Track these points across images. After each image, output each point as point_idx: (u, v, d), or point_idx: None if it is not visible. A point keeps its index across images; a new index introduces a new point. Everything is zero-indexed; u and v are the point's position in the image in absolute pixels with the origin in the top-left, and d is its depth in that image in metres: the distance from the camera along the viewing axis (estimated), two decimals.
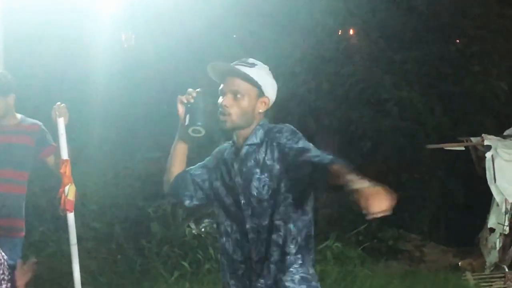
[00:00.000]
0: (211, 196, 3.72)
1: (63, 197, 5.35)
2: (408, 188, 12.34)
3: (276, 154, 3.50)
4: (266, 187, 3.49)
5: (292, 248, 3.48)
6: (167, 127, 11.57)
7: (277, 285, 3.50)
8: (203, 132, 3.58)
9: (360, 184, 3.20)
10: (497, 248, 9.91)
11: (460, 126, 11.78)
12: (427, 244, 11.48)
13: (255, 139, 3.56)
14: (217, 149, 3.80)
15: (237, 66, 3.56)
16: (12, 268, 4.76)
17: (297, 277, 3.49)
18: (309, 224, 3.57)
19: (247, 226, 3.54)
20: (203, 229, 10.45)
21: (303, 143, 3.47)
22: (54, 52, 10.66)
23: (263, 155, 3.52)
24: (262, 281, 3.52)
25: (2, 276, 4.65)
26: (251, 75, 3.53)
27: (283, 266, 3.49)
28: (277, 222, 3.48)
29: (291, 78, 10.62)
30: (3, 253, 4.79)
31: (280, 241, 3.48)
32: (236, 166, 3.59)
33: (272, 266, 3.49)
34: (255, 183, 3.50)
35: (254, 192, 3.51)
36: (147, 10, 11.10)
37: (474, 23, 12.18)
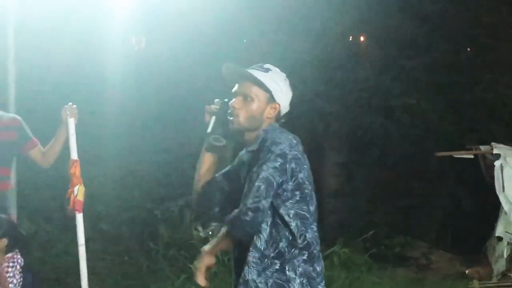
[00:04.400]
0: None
1: (72, 197, 5.36)
2: (416, 196, 12.33)
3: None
4: None
5: (271, 252, 3.51)
6: (176, 130, 11.64)
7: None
8: (224, 141, 3.63)
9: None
10: (505, 257, 9.90)
11: (470, 134, 11.76)
12: (435, 252, 11.46)
13: (255, 146, 3.58)
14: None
15: (250, 70, 3.59)
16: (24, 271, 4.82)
17: (270, 281, 3.52)
18: (296, 227, 3.55)
19: None
20: (210, 232, 10.45)
21: (256, 172, 3.48)
22: (65, 53, 10.70)
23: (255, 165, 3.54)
24: (240, 281, 3.58)
25: (11, 279, 4.70)
26: (262, 80, 3.56)
27: (259, 269, 3.52)
28: (261, 225, 3.51)
29: (300, 83, 10.62)
30: (19, 257, 4.83)
31: (259, 245, 3.51)
32: (242, 172, 3.63)
33: (248, 269, 3.52)
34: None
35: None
36: (158, 14, 11.13)
37: (485, 32, 12.16)
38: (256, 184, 3.42)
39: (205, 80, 10.89)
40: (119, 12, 10.45)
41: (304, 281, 3.55)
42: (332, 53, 11.58)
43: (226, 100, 3.69)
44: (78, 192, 5.37)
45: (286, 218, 3.53)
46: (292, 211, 3.55)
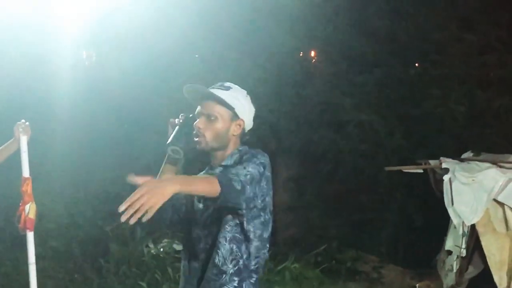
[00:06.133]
0: (185, 221, 3.76)
1: (23, 215, 5.29)
2: (367, 210, 12.41)
3: None
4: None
5: (230, 268, 3.50)
6: (127, 147, 11.57)
7: None
8: (182, 153, 3.65)
9: None
10: (454, 271, 9.99)
11: (419, 149, 11.86)
12: (385, 266, 11.54)
13: (230, 162, 3.58)
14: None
15: (211, 90, 3.60)
16: None
17: None
18: (255, 248, 3.58)
19: (201, 246, 3.58)
20: (161, 249, 10.41)
21: (243, 166, 3.47)
22: (14, 69, 10.58)
23: None
24: None
25: None
26: (224, 98, 3.57)
27: (216, 285, 3.51)
28: (220, 240, 3.50)
29: (252, 99, 10.62)
30: None
31: (216, 260, 3.50)
32: None
33: (206, 284, 3.52)
34: (215, 208, 3.53)
35: (212, 214, 3.55)
36: (109, 29, 11.07)
37: (433, 47, 12.30)
38: (245, 171, 3.39)
39: (157, 96, 10.86)
40: (69, 26, 10.39)
41: None
42: (283, 69, 11.62)
43: (191, 115, 3.69)
44: (30, 210, 5.30)
45: (251, 235, 3.54)
46: (257, 231, 3.57)
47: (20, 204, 5.35)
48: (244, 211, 3.48)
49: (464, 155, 10.80)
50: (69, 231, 10.77)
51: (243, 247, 3.53)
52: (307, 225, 12.42)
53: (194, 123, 3.64)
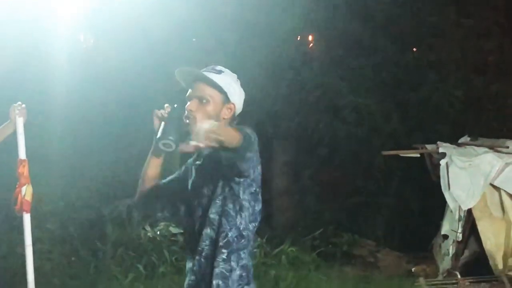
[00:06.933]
0: (182, 207, 3.77)
1: (19, 197, 5.30)
2: (363, 194, 12.42)
3: None
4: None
5: (220, 241, 3.52)
6: (123, 129, 11.56)
7: (203, 277, 3.60)
8: (174, 146, 3.55)
9: None
10: (450, 255, 10.02)
11: (416, 134, 11.88)
12: (381, 250, 11.56)
13: None
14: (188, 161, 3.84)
15: (203, 72, 3.59)
16: None
17: (216, 270, 3.54)
18: (245, 219, 3.58)
19: (198, 226, 3.62)
20: (158, 232, 10.43)
21: None
22: (11, 52, 10.55)
23: None
24: (193, 277, 3.65)
25: None
26: (216, 81, 3.57)
27: (211, 260, 3.56)
28: (212, 215, 3.54)
29: (249, 83, 10.57)
30: None
31: (210, 235, 3.54)
32: (196, 169, 3.64)
33: (203, 260, 3.56)
34: (207, 183, 3.57)
35: (205, 190, 3.59)
36: (107, 12, 11.04)
37: (431, 32, 12.29)
38: None
39: (153, 79, 10.84)
40: (67, 9, 10.36)
41: (243, 273, 3.59)
42: (280, 53, 11.61)
43: (175, 105, 3.66)
44: (26, 192, 5.31)
45: (246, 205, 3.55)
46: (251, 202, 3.58)
47: (17, 186, 5.35)
48: (241, 179, 3.50)
49: (461, 140, 10.82)
50: (66, 213, 10.77)
51: (233, 220, 3.55)
52: (303, 209, 12.44)
53: (186, 106, 3.62)
